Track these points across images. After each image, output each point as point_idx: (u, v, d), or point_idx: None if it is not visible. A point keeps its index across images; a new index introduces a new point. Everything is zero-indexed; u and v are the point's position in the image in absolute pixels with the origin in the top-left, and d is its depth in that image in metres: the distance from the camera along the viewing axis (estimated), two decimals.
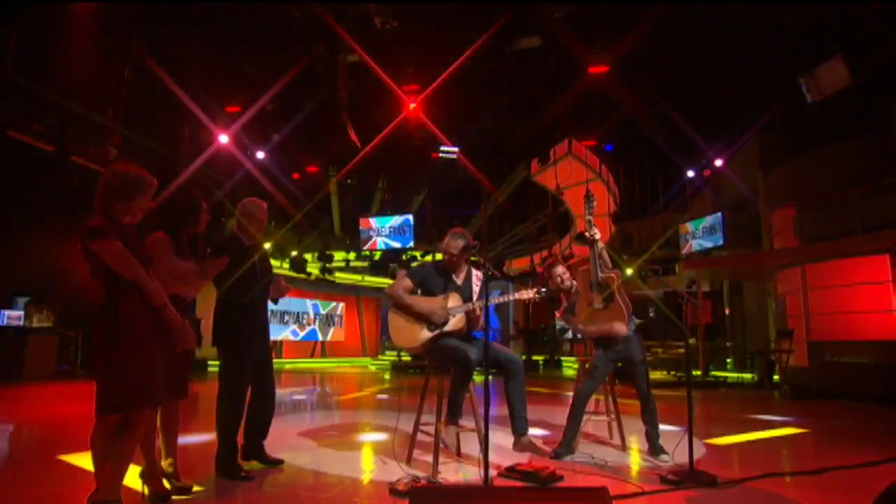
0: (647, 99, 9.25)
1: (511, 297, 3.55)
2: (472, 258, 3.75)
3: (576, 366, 15.05)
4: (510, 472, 3.29)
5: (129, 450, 2.32)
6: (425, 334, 3.45)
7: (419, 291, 3.58)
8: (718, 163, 9.95)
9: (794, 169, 8.93)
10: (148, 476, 2.72)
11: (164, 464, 2.82)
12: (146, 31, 8.31)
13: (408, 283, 3.54)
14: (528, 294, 3.50)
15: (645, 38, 7.65)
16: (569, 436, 3.78)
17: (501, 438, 3.71)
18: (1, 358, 9.27)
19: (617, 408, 4.14)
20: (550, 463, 3.58)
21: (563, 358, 15.68)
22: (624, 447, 4.07)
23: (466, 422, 3.64)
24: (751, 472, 3.37)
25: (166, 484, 2.80)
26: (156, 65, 7.85)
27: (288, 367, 14.66)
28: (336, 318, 17.23)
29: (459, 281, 3.61)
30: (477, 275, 3.64)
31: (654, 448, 3.74)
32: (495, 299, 3.38)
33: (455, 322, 3.44)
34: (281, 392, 8.64)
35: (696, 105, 9.74)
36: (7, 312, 9.79)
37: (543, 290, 3.59)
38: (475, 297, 3.56)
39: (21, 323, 9.78)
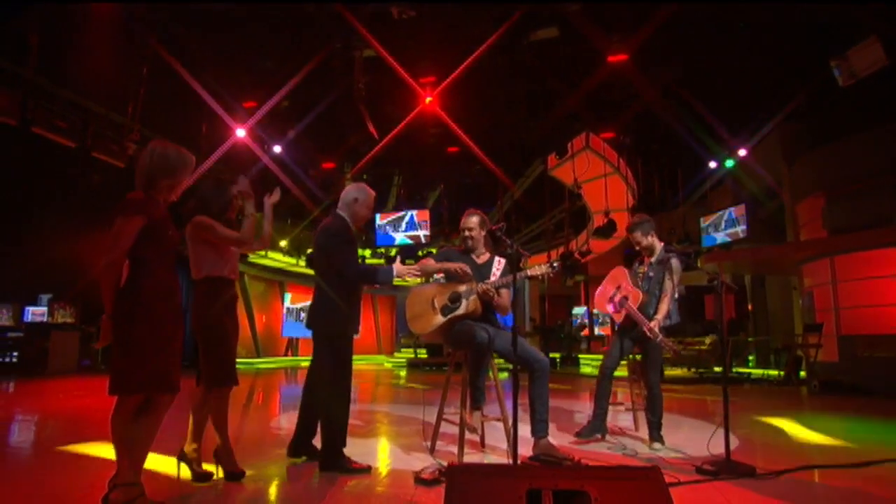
0: (666, 89, 9.05)
1: (525, 274, 3.44)
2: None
3: (594, 363, 14.90)
4: (534, 460, 3.20)
5: (148, 433, 2.28)
6: (439, 319, 3.40)
7: (442, 278, 3.52)
8: (742, 153, 9.67)
9: (821, 158, 8.66)
10: (192, 456, 2.76)
11: (189, 448, 2.78)
12: (164, 30, 8.36)
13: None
14: (541, 269, 3.35)
15: (665, 25, 7.48)
16: (596, 416, 3.81)
17: (526, 430, 3.61)
18: (26, 353, 9.45)
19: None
20: (576, 452, 3.49)
21: (580, 355, 15.48)
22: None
23: (491, 412, 3.56)
24: (788, 464, 3.22)
25: (186, 470, 2.77)
26: (174, 61, 7.89)
27: (304, 364, 14.70)
28: None
29: (480, 261, 3.56)
30: (499, 260, 3.57)
31: (651, 436, 3.71)
32: (509, 278, 3.28)
33: (468, 305, 3.36)
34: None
35: (717, 95, 9.50)
36: (31, 309, 9.98)
37: (556, 264, 3.51)
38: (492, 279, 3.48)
39: (44, 319, 9.95)
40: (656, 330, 3.54)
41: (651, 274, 3.82)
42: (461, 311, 3.36)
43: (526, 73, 9.74)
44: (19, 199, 9.35)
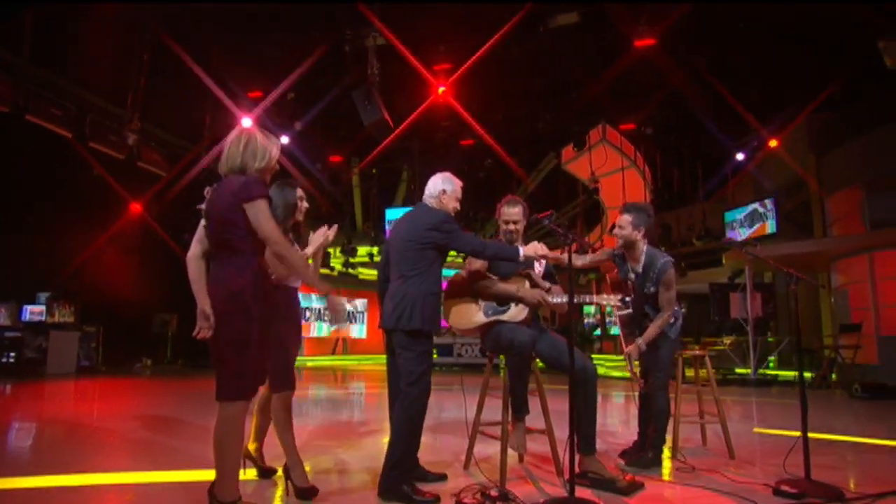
0: (694, 75, 8.61)
1: (591, 300, 3.07)
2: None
3: (607, 363, 14.45)
4: (581, 479, 2.79)
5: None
6: (480, 318, 3.00)
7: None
8: (772, 143, 9.20)
9: (858, 148, 8.21)
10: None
11: (251, 447, 2.84)
12: (166, 16, 7.99)
13: (480, 262, 3.07)
14: (610, 300, 3.00)
15: (695, 7, 7.06)
16: (656, 440, 3.29)
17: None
18: (24, 354, 9.10)
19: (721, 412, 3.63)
20: (627, 471, 3.09)
21: (593, 356, 15.07)
22: (731, 454, 3.50)
23: (531, 422, 3.16)
24: (879, 486, 2.80)
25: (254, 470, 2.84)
26: (176, 47, 7.51)
27: (310, 364, 14.33)
28: (359, 315, 16.86)
29: (521, 259, 3.14)
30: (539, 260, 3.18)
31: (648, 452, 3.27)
32: (579, 299, 2.91)
33: (516, 312, 2.95)
34: (326, 391, 8.27)
35: (744, 82, 9.05)
36: (29, 308, 9.60)
37: (628, 299, 3.14)
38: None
39: (42, 318, 9.58)
40: (635, 353, 3.19)
41: (649, 289, 3.22)
42: (506, 316, 2.95)
43: (544, 62, 9.33)
44: (18, 193, 8.99)
